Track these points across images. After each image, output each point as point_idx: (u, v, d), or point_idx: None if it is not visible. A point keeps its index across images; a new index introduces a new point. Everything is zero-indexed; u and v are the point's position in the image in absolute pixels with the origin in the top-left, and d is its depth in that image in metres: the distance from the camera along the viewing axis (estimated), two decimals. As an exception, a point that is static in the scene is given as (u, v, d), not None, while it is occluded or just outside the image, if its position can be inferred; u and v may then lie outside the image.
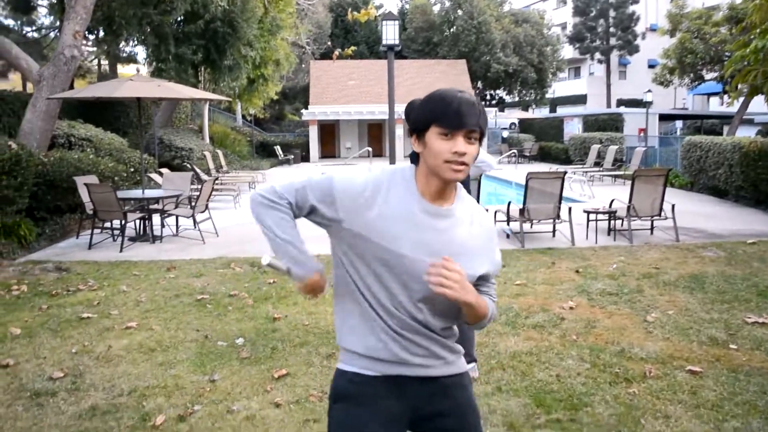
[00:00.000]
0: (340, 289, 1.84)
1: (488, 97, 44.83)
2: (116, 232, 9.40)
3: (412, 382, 1.80)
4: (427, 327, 1.78)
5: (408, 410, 1.81)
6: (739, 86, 12.92)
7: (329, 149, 35.86)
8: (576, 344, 4.70)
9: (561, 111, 46.37)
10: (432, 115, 1.68)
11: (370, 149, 31.27)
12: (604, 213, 9.30)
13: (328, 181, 1.76)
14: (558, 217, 8.99)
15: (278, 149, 30.10)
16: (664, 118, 33.72)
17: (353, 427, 1.77)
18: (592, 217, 9.38)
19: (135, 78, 9.82)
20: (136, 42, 18.23)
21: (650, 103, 26.33)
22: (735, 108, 22.77)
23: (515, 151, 27.62)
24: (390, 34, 7.03)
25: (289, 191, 1.78)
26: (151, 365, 4.43)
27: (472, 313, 1.76)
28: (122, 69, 33.59)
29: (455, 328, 1.89)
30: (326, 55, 33.22)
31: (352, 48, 12.06)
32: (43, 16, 30.96)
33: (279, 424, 3.51)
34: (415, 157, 1.79)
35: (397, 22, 6.95)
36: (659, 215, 9.08)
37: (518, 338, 4.85)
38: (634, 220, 9.03)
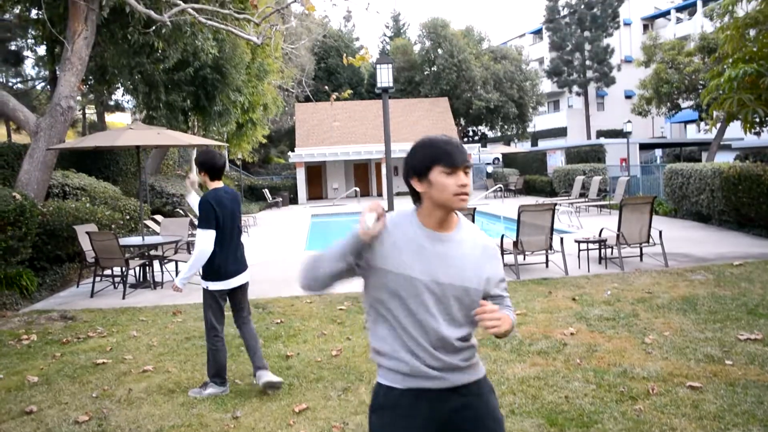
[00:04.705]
0: (371, 317, 2.13)
1: (470, 133, 45.54)
2: (117, 279, 9.52)
3: (432, 394, 2.04)
4: (444, 340, 2.02)
5: (434, 422, 2.05)
6: (716, 114, 13.41)
7: (316, 191, 36.20)
8: (580, 367, 4.91)
9: (543, 144, 47.21)
10: (433, 157, 1.98)
11: (357, 189, 31.66)
12: (594, 242, 9.59)
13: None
14: (550, 248, 9.26)
15: (267, 192, 30.37)
16: (644, 147, 34.47)
17: None
18: (583, 246, 9.68)
19: (134, 126, 10.06)
20: (126, 91, 18.52)
21: (630, 133, 26.99)
22: (712, 135, 23.42)
23: (500, 185, 28.07)
24: (384, 76, 7.39)
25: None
26: (173, 406, 4.57)
27: (508, 332, 2.04)
28: (109, 118, 33.96)
29: (472, 338, 2.14)
30: (310, 98, 33.71)
31: (348, 91, 12.41)
32: (30, 67, 31.41)
33: (306, 454, 3.67)
34: (415, 197, 2.09)
35: (390, 65, 7.29)
36: (647, 242, 9.39)
37: (524, 364, 5.05)
38: (624, 248, 9.33)
